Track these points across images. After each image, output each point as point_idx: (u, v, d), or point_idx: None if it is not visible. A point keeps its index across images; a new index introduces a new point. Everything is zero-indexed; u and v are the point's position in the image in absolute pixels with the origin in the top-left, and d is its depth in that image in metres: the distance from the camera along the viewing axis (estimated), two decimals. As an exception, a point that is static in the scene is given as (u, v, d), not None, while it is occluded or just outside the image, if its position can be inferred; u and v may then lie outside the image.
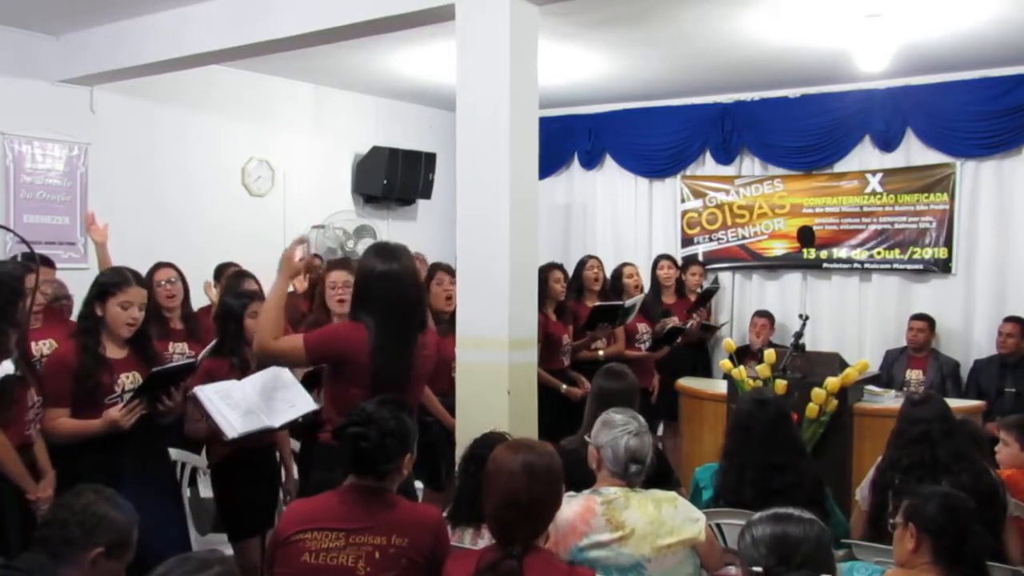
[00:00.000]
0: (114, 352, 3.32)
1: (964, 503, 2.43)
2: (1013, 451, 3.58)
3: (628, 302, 5.57)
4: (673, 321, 6.25)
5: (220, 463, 3.83)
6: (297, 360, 3.21)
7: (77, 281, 4.59)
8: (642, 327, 5.96)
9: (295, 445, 4.42)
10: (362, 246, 6.90)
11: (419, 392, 3.40)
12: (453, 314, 4.38)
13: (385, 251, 3.21)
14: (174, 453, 4.05)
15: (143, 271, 4.24)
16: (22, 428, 3.08)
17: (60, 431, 3.20)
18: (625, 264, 6.22)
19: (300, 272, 3.39)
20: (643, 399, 4.86)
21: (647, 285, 6.52)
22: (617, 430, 2.76)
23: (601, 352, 5.50)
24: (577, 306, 5.64)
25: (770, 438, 3.25)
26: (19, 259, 4.17)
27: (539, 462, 2.30)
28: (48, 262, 4.33)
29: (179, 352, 4.38)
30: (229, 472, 3.80)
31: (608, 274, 6.15)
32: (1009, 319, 6.19)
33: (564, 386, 5.11)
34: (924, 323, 6.46)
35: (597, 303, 5.56)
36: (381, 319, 3.09)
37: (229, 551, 3.88)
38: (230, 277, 5.12)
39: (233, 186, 6.92)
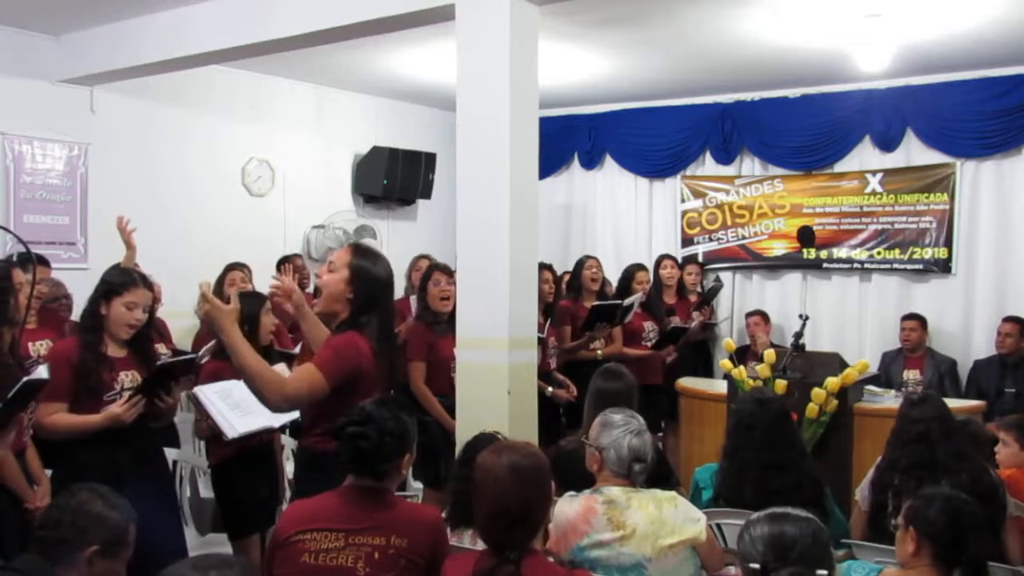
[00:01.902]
0: (114, 351, 3.32)
1: (966, 507, 2.42)
2: (1013, 451, 3.57)
3: (626, 301, 5.57)
4: (676, 320, 6.26)
5: (220, 463, 3.83)
6: (322, 392, 2.81)
7: (77, 281, 4.60)
8: (648, 325, 5.96)
9: (295, 444, 4.43)
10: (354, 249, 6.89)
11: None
12: (452, 314, 4.38)
13: (374, 255, 3.09)
14: (174, 453, 4.06)
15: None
16: (20, 435, 3.07)
17: (58, 426, 3.17)
18: (639, 268, 6.18)
19: (235, 310, 2.86)
20: (648, 396, 4.87)
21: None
22: (618, 431, 2.76)
23: (599, 352, 5.50)
24: (575, 307, 5.65)
25: (771, 438, 3.25)
26: (15, 259, 4.17)
27: (524, 463, 2.27)
28: (43, 261, 4.32)
29: (161, 352, 4.39)
30: (229, 472, 3.80)
31: (607, 274, 6.15)
32: (1008, 319, 6.20)
33: (550, 389, 5.09)
34: (916, 323, 6.47)
35: (595, 303, 5.56)
36: (382, 324, 3.02)
37: (229, 550, 3.89)
38: (219, 276, 5.16)
39: (233, 186, 6.92)
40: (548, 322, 5.23)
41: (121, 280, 3.32)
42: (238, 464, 3.76)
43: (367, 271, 3.00)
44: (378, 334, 2.99)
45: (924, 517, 2.37)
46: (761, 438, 3.25)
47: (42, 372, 2.87)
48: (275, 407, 2.87)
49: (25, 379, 2.73)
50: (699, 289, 7.02)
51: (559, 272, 6.04)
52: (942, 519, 2.36)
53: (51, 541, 2.25)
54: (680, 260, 7.23)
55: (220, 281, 5.22)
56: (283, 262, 6.19)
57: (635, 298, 5.69)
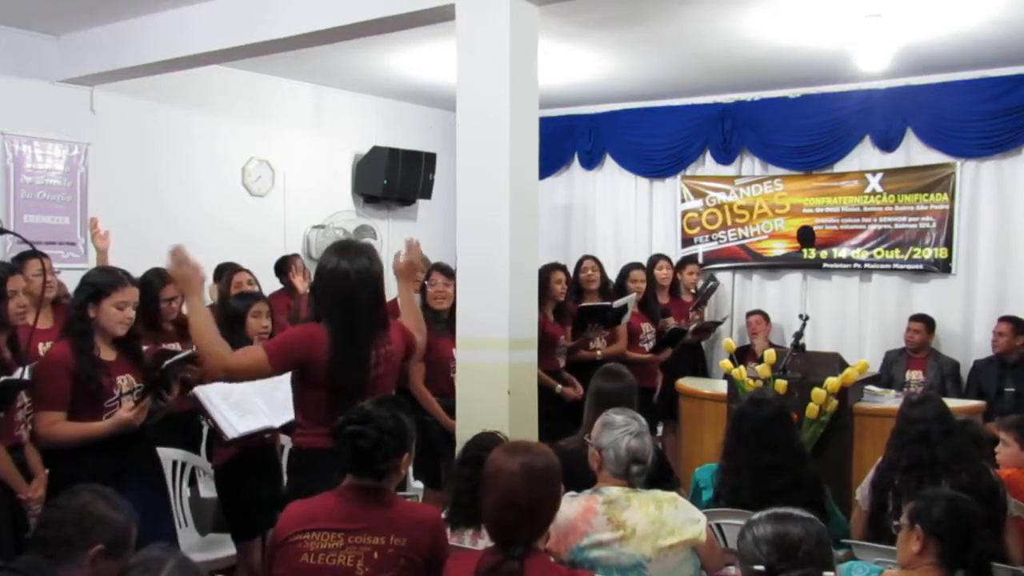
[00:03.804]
0: (106, 354, 3.28)
1: (971, 507, 2.41)
2: (1013, 451, 3.57)
3: (617, 303, 5.57)
4: (672, 321, 6.25)
5: (224, 463, 3.82)
6: (263, 372, 3.01)
7: (77, 281, 4.59)
8: (645, 327, 5.95)
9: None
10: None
11: (388, 389, 3.25)
12: (451, 314, 4.38)
13: (341, 249, 3.11)
14: (175, 453, 4.06)
15: (141, 271, 4.27)
16: (12, 428, 3.06)
17: (62, 435, 3.13)
18: (633, 267, 6.17)
19: (201, 280, 3.12)
20: (645, 399, 4.87)
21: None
22: (618, 431, 2.76)
23: (599, 352, 5.50)
24: (575, 307, 5.65)
25: (771, 439, 3.25)
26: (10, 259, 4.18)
27: (537, 463, 2.29)
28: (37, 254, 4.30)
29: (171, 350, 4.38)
30: (233, 472, 3.80)
31: (612, 273, 6.15)
32: (1003, 319, 6.19)
33: (559, 386, 5.10)
34: (922, 324, 6.46)
35: (583, 304, 5.57)
36: (334, 318, 3.01)
37: (230, 551, 3.89)
38: (226, 277, 5.13)
39: (233, 186, 6.92)
40: (550, 320, 5.23)
41: (108, 281, 3.28)
42: (240, 465, 3.76)
43: (320, 264, 3.10)
44: (339, 330, 2.98)
45: (930, 516, 2.36)
46: (761, 439, 3.25)
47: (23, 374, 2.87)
48: (212, 376, 3.08)
49: (3, 379, 2.73)
50: (693, 289, 7.01)
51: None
52: (949, 518, 2.35)
53: (52, 541, 2.24)
54: (679, 260, 7.24)
55: (228, 282, 5.18)
56: (283, 262, 6.20)
57: (628, 299, 5.68)
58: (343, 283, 3.02)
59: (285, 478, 4.11)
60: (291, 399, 3.60)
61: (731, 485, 3.25)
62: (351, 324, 3.02)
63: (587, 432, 3.39)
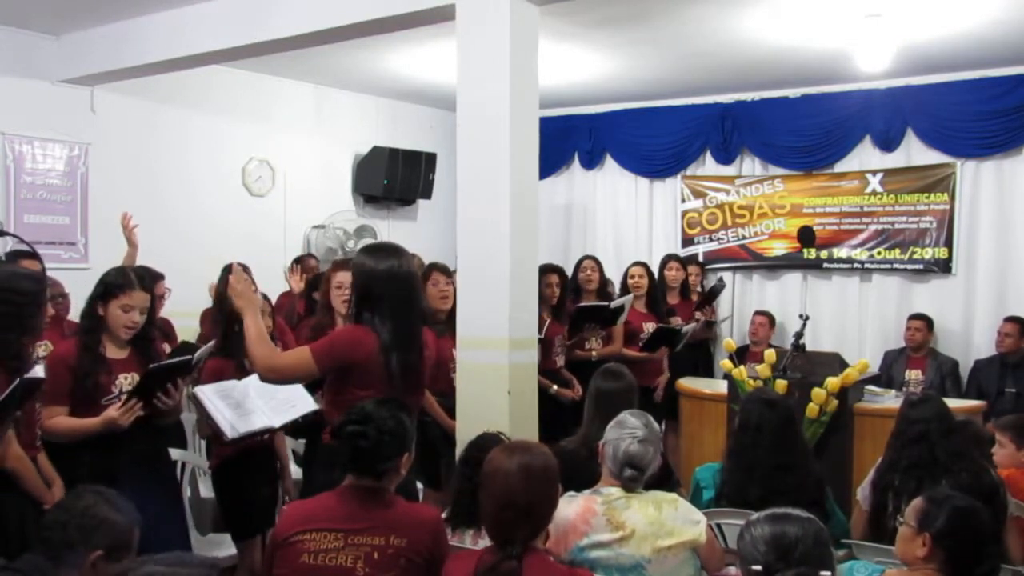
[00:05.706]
0: (115, 352, 3.29)
1: (983, 518, 2.37)
2: (1009, 451, 3.56)
3: (614, 303, 5.57)
4: (677, 321, 6.24)
5: (222, 463, 3.82)
6: (309, 373, 3.06)
7: (77, 281, 4.60)
8: (649, 326, 5.94)
9: (296, 444, 4.43)
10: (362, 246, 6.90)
11: (423, 391, 3.33)
12: (450, 314, 4.38)
13: (379, 250, 3.16)
14: (175, 453, 4.06)
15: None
16: (32, 439, 3.07)
17: (56, 428, 3.16)
18: (633, 265, 6.16)
19: (253, 296, 3.20)
20: (646, 398, 4.87)
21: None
22: (624, 431, 2.78)
23: (594, 352, 5.50)
24: (573, 307, 5.65)
25: (780, 439, 3.24)
26: (3, 258, 4.16)
27: (535, 463, 2.30)
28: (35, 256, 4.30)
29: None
30: (232, 472, 3.80)
31: (607, 274, 6.15)
32: (1009, 319, 6.20)
33: (555, 387, 5.09)
34: (922, 323, 6.47)
35: (580, 304, 5.57)
36: (390, 319, 3.02)
37: (230, 551, 3.89)
38: (223, 276, 5.13)
39: (233, 186, 6.93)
40: (549, 321, 5.23)
41: (118, 282, 3.28)
42: (239, 465, 3.75)
43: (364, 266, 3.10)
44: (388, 330, 3.01)
45: (941, 525, 2.33)
46: (770, 439, 3.24)
47: (38, 371, 2.86)
48: (262, 376, 3.08)
49: (20, 378, 2.72)
50: (699, 289, 7.02)
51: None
52: (961, 531, 2.32)
53: (55, 542, 2.24)
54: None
55: (224, 281, 5.19)
56: (297, 262, 6.22)
57: (625, 300, 5.67)
58: (393, 283, 3.04)
59: (290, 479, 4.15)
60: (291, 400, 3.61)
61: (738, 484, 3.24)
62: (405, 323, 3.05)
63: (587, 431, 3.40)
